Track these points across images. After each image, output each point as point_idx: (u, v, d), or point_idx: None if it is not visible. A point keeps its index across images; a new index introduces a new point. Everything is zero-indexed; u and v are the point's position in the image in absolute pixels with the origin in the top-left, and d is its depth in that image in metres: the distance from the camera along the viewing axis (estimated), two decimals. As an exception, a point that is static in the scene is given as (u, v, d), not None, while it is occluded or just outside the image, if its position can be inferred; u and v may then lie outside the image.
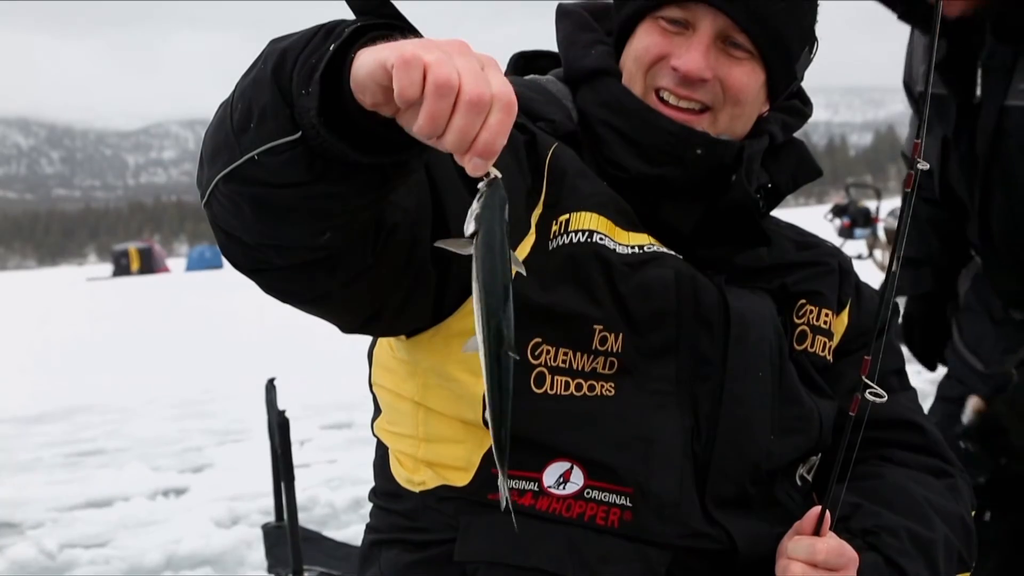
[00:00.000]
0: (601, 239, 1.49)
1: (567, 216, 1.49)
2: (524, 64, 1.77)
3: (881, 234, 11.78)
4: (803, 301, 1.63)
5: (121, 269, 50.76)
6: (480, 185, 1.07)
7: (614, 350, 1.47)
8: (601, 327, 1.46)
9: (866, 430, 1.50)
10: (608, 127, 1.58)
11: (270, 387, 2.54)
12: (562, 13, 1.72)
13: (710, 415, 1.50)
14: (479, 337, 1.08)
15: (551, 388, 1.45)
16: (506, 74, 1.75)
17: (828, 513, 1.46)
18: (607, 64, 1.62)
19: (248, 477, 6.39)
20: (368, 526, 1.68)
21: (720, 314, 1.52)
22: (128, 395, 10.74)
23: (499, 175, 1.05)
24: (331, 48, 1.08)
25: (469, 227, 1.07)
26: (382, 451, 1.65)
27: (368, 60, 1.03)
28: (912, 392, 1.75)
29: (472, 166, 1.02)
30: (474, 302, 1.08)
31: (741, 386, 1.51)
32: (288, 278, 1.30)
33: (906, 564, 1.50)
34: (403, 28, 1.11)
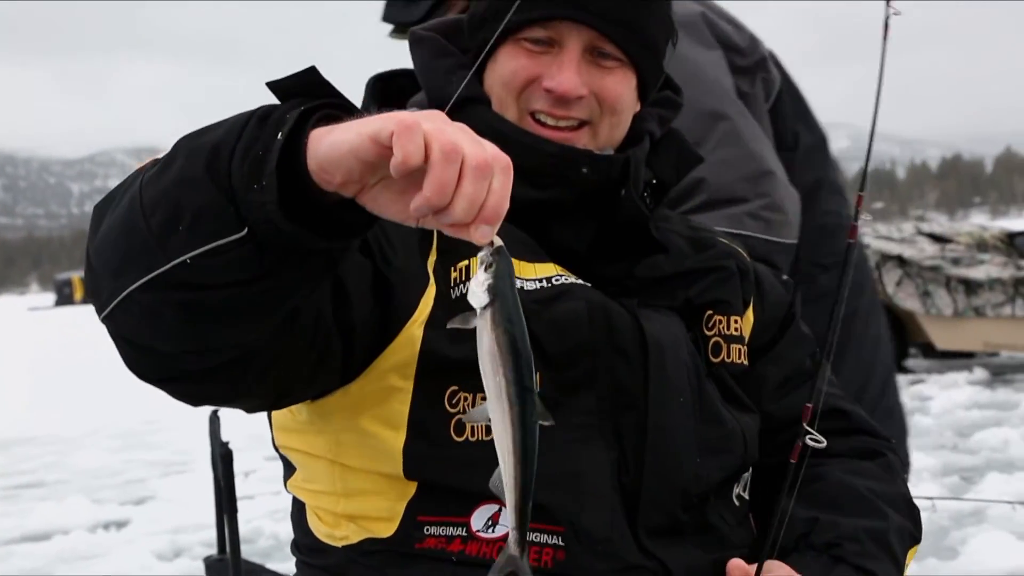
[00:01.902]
0: None
1: (466, 263, 1.45)
2: (382, 86, 1.69)
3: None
4: (710, 312, 1.62)
5: (64, 298, 49.93)
6: (482, 254, 1.04)
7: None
8: None
9: (794, 429, 1.54)
10: None
11: (214, 418, 2.54)
12: (416, 40, 1.66)
13: (636, 446, 1.48)
14: (502, 409, 1.06)
15: (472, 435, 1.42)
16: (363, 99, 1.65)
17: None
18: (474, 92, 1.56)
19: (191, 509, 6.33)
20: None
21: (636, 342, 1.50)
22: (69, 426, 10.56)
23: (502, 242, 1.02)
24: (280, 137, 1.03)
25: (481, 298, 1.04)
26: (299, 506, 1.60)
27: (346, 137, 1.00)
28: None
29: (480, 234, 0.98)
30: (486, 374, 1.06)
31: (664, 414, 1.50)
32: (203, 381, 1.24)
33: (874, 566, 1.52)
34: (346, 107, 1.08)
